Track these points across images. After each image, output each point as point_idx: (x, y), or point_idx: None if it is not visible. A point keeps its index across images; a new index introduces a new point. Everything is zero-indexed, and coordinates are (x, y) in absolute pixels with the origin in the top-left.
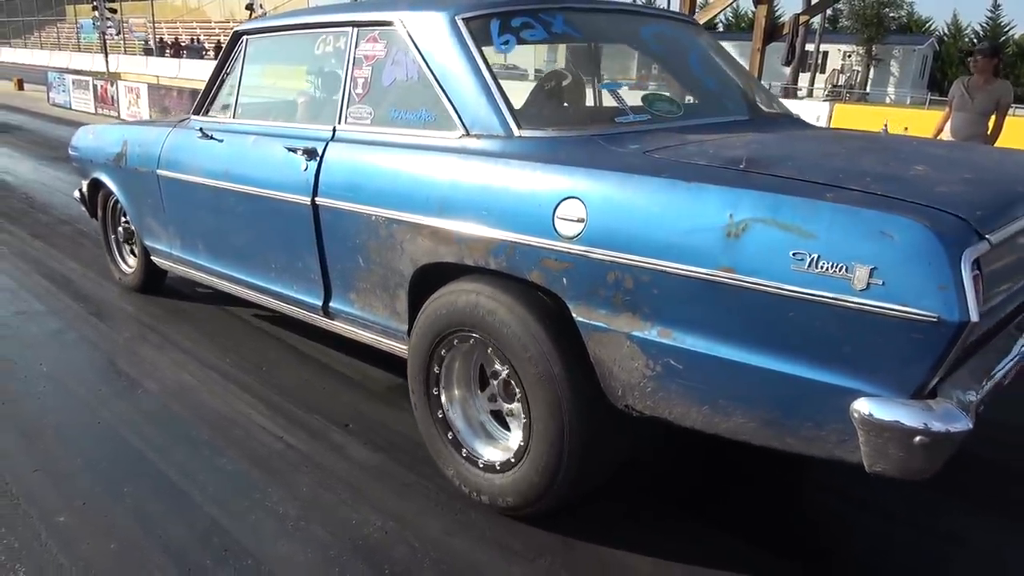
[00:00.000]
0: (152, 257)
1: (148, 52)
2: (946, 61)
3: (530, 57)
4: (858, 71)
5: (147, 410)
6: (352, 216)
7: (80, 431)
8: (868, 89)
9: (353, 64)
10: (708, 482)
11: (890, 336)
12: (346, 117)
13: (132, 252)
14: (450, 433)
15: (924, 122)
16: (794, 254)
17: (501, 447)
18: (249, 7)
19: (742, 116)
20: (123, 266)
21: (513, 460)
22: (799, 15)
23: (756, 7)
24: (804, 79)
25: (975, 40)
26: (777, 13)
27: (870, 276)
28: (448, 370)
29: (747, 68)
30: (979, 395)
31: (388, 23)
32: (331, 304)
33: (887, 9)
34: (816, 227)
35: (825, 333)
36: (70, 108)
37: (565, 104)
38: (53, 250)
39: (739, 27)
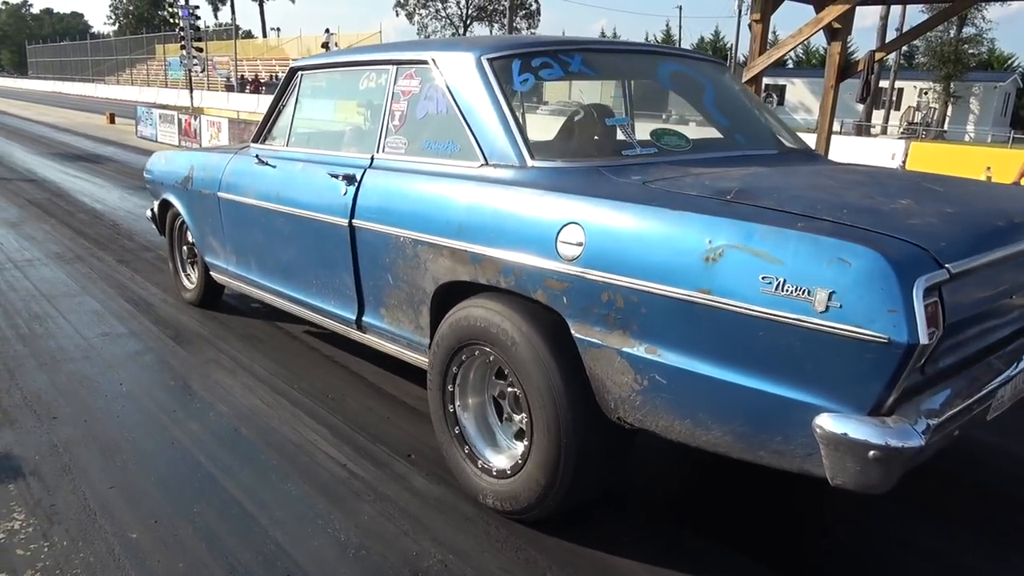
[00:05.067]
0: (211, 273)
1: (230, 88)
2: None
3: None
4: (935, 108)
5: (218, 432)
6: (384, 237)
7: (155, 450)
8: (946, 127)
9: (392, 98)
10: (727, 506)
11: (847, 356)
12: (384, 147)
13: (194, 268)
14: (465, 445)
15: (1007, 161)
16: (763, 278)
17: (507, 455)
18: (324, 45)
19: (752, 151)
20: (185, 282)
21: (519, 464)
22: (874, 51)
23: (829, 44)
24: (878, 116)
25: None
26: (851, 49)
27: (829, 299)
28: (463, 380)
29: (823, 104)
30: (941, 418)
31: (424, 62)
32: (364, 318)
33: (966, 46)
34: (783, 253)
35: (790, 352)
36: (156, 140)
37: (579, 137)
38: (137, 275)
39: (809, 63)
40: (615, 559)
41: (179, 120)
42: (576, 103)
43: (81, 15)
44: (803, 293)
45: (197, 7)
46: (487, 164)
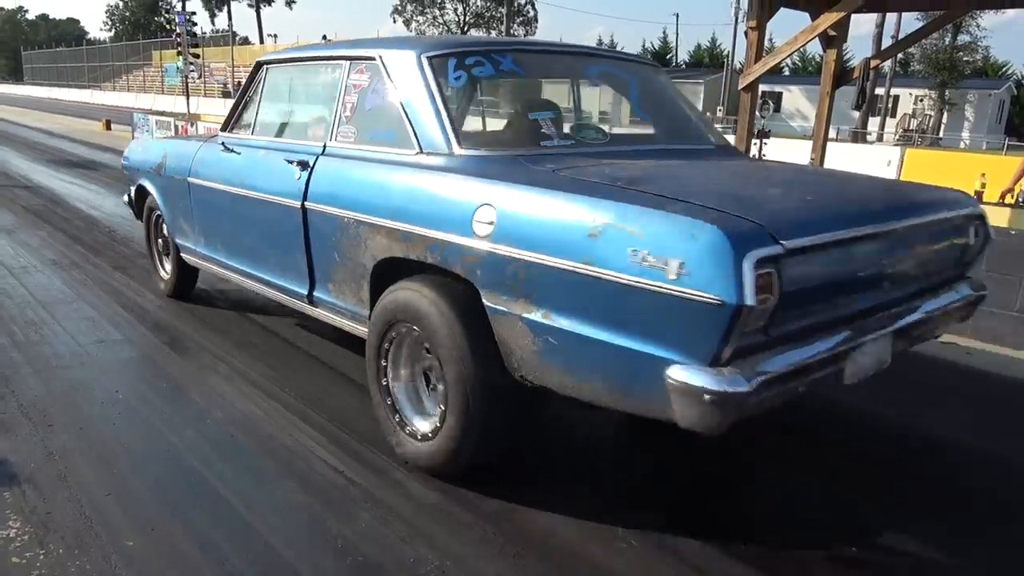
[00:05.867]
0: (182, 255)
1: (226, 95)
2: None
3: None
4: (930, 115)
5: (214, 439)
6: (332, 218)
7: (150, 457)
8: (941, 134)
9: (344, 91)
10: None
11: (691, 315)
12: (335, 136)
13: (168, 259)
14: (396, 414)
15: (1001, 168)
16: (631, 251)
17: (430, 420)
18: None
19: (669, 145)
20: (162, 272)
21: (438, 426)
22: (870, 59)
23: (825, 51)
24: (874, 123)
25: None
26: (847, 57)
27: (679, 268)
28: (396, 355)
29: (819, 111)
30: (775, 374)
31: (372, 58)
32: (315, 293)
33: (961, 53)
34: (647, 230)
35: (649, 313)
36: None
37: (506, 128)
38: (132, 281)
39: (806, 70)
40: (616, 564)
41: (176, 127)
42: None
43: (77, 21)
44: (661, 263)
45: (194, 13)
46: (421, 152)
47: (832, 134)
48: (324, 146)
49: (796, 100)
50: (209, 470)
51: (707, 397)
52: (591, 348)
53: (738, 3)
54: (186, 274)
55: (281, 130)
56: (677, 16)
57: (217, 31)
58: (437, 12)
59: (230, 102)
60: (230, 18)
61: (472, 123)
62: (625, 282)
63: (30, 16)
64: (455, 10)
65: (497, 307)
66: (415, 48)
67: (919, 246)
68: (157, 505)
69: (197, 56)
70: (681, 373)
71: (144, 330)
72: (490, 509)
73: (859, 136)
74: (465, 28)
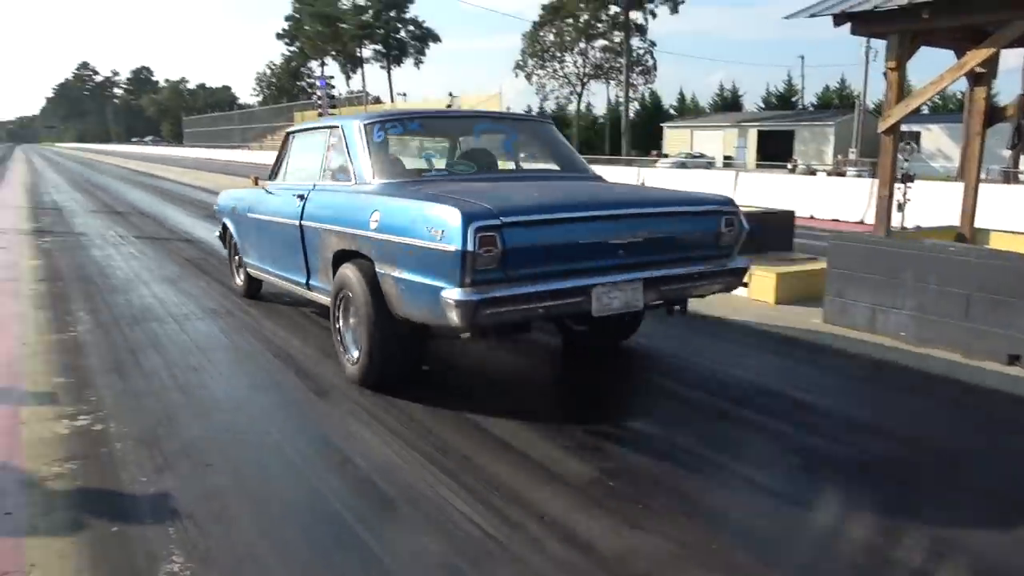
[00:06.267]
0: (247, 268)
1: None
2: None
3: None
4: None
5: (357, 485)
6: (314, 229)
7: (298, 500)
8: None
9: (326, 148)
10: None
11: (446, 260)
12: (320, 177)
13: (240, 271)
14: (343, 349)
15: None
16: (427, 227)
17: (357, 351)
18: (448, 108)
19: (526, 173)
20: (237, 280)
21: (358, 354)
22: None
23: (973, 89)
24: None
25: None
26: (993, 94)
27: (440, 234)
28: (344, 310)
29: (968, 152)
30: (501, 294)
31: (337, 127)
32: (310, 281)
33: None
34: (432, 215)
35: (435, 262)
36: None
37: (406, 166)
38: (280, 330)
39: (945, 108)
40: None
41: None
42: (684, 153)
43: (230, 88)
44: (437, 232)
45: (332, 77)
46: (355, 183)
47: (981, 174)
48: (314, 185)
49: (936, 139)
50: (353, 515)
51: (454, 303)
52: (417, 287)
53: (868, 43)
54: (252, 281)
55: (295, 176)
56: (802, 59)
57: (352, 92)
58: (557, 65)
59: None
60: (363, 80)
61: (388, 162)
62: (424, 246)
63: (190, 86)
64: (574, 63)
65: (381, 271)
66: (357, 119)
67: (658, 227)
68: (306, 548)
69: (335, 115)
70: (446, 292)
71: (292, 376)
72: (622, 570)
73: (1011, 176)
74: (585, 80)
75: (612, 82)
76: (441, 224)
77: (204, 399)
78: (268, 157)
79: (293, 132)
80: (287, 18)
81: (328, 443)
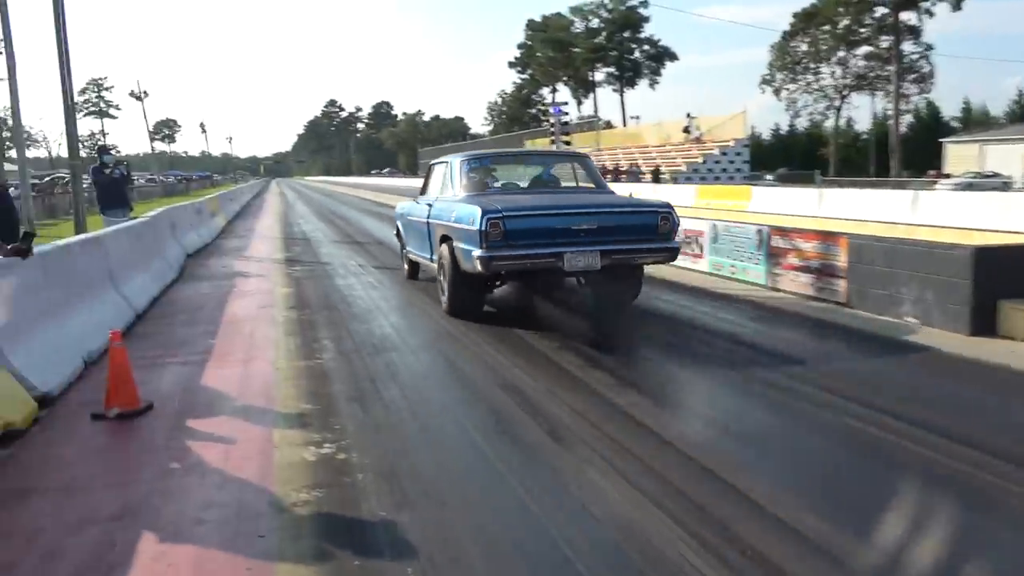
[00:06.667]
0: (408, 255)
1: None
2: None
3: None
4: None
5: (597, 541)
6: (433, 225)
7: (537, 551)
8: None
9: (444, 174)
10: None
11: (474, 236)
12: (440, 192)
13: (405, 260)
14: (442, 293)
15: None
16: (469, 217)
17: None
18: (686, 130)
19: (554, 188)
20: (405, 267)
21: (446, 296)
22: None
23: None
24: None
25: None
26: None
27: (472, 221)
28: (441, 270)
29: None
30: (505, 254)
31: (447, 162)
32: (432, 256)
33: None
34: (471, 210)
35: (471, 237)
36: None
37: (480, 183)
38: (507, 360)
39: None
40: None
41: None
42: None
43: (462, 119)
44: (471, 220)
45: (565, 103)
46: (453, 195)
47: None
48: (436, 198)
49: None
50: (590, 572)
51: (477, 257)
52: (465, 252)
53: None
54: (412, 265)
55: (430, 193)
56: None
57: (583, 117)
58: (811, 77)
59: None
60: (595, 104)
61: (470, 183)
62: (468, 228)
63: (425, 118)
64: (832, 74)
65: (455, 245)
66: (458, 157)
67: (609, 220)
68: None
69: (568, 143)
70: (474, 252)
71: (526, 417)
72: None
73: None
74: (845, 92)
75: (878, 93)
76: (473, 216)
77: (439, 434)
78: None
79: (432, 164)
80: (519, 46)
81: (564, 490)
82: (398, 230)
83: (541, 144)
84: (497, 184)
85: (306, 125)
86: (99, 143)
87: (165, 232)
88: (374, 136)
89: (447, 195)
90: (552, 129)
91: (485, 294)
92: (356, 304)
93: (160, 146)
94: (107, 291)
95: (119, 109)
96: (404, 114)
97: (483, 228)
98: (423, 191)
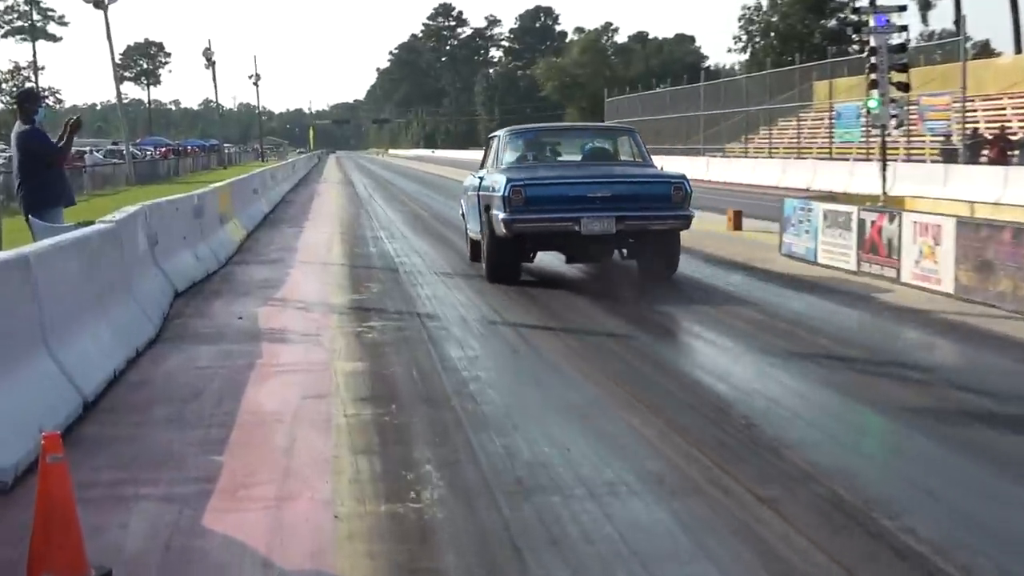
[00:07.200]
0: (468, 233)
1: (949, 154)
2: None
3: None
4: None
5: None
6: (480, 196)
7: None
8: None
9: (494, 148)
10: None
11: (501, 202)
12: (489, 167)
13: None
14: (479, 259)
15: None
16: (497, 187)
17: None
18: None
19: (591, 160)
20: (467, 250)
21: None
22: None
23: None
24: None
25: None
26: None
27: (498, 189)
28: (482, 228)
29: None
30: (523, 218)
31: (497, 135)
32: (480, 229)
33: None
34: (500, 180)
35: (499, 203)
36: (814, 263)
37: (524, 156)
38: (778, 522)
39: None
40: None
41: (859, 221)
42: None
43: (691, 39)
44: (498, 189)
45: (902, 6)
46: (497, 167)
47: None
48: (487, 171)
49: None
50: None
51: (502, 220)
52: (496, 217)
53: None
54: (474, 246)
55: (485, 165)
56: None
57: (928, 37)
58: None
59: (956, 169)
60: (959, 14)
61: (512, 154)
62: (497, 195)
63: (619, 39)
64: None
65: (490, 211)
66: (505, 131)
67: (623, 190)
68: None
69: (906, 87)
70: (501, 215)
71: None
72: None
73: None
74: None
75: None
76: (500, 184)
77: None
78: (757, 169)
79: (489, 138)
80: None
81: None
82: (462, 210)
83: (843, 91)
84: (537, 157)
85: (392, 55)
86: (23, 86)
87: (137, 250)
88: (520, 73)
89: (493, 168)
90: (870, 58)
91: (521, 262)
92: (486, 398)
93: (134, 91)
94: (36, 357)
95: (64, 24)
96: (578, 32)
97: (506, 195)
98: (482, 164)
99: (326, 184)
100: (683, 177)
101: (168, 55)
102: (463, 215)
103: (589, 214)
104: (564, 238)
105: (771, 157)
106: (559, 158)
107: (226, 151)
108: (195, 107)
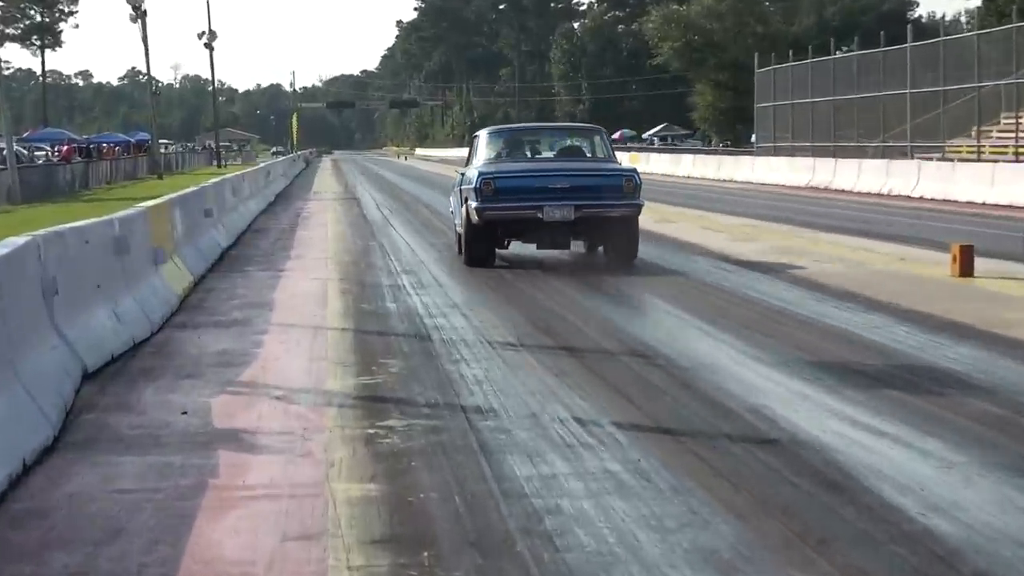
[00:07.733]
0: (456, 227)
1: None
2: None
3: None
4: None
5: None
6: (461, 189)
7: None
8: None
9: (473, 147)
10: None
11: (473, 192)
12: (469, 162)
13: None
14: (459, 243)
15: None
16: (471, 180)
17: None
18: None
19: (563, 159)
20: (454, 236)
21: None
22: None
23: None
24: None
25: None
26: None
27: (472, 182)
28: (458, 211)
29: None
30: (491, 205)
31: (478, 135)
32: (460, 213)
33: None
34: (474, 173)
35: (472, 194)
36: None
37: (497, 152)
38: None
39: None
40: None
41: None
42: None
43: None
44: (471, 181)
45: None
46: (475, 163)
47: None
48: (467, 167)
49: None
50: None
51: (474, 208)
52: (471, 207)
53: None
54: (459, 238)
55: (469, 161)
56: None
57: None
58: None
59: None
60: None
61: (488, 151)
62: (472, 187)
63: None
64: None
65: (468, 202)
66: (487, 129)
67: (579, 181)
68: None
69: None
70: (474, 204)
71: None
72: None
73: None
74: None
75: None
76: (474, 177)
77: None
78: (978, 174)
79: (472, 137)
80: None
81: None
82: (451, 207)
83: None
84: (511, 154)
85: (422, 2)
86: None
87: (22, 305)
88: (622, 29)
89: (472, 164)
90: None
91: (495, 248)
92: (571, 542)
93: (20, 57)
94: None
95: None
96: None
97: (478, 186)
98: (467, 162)
99: (318, 202)
100: (634, 171)
101: (75, 2)
102: (452, 212)
103: (551, 203)
104: (529, 224)
105: (1019, 160)
106: (531, 155)
107: (163, 151)
108: (115, 82)
